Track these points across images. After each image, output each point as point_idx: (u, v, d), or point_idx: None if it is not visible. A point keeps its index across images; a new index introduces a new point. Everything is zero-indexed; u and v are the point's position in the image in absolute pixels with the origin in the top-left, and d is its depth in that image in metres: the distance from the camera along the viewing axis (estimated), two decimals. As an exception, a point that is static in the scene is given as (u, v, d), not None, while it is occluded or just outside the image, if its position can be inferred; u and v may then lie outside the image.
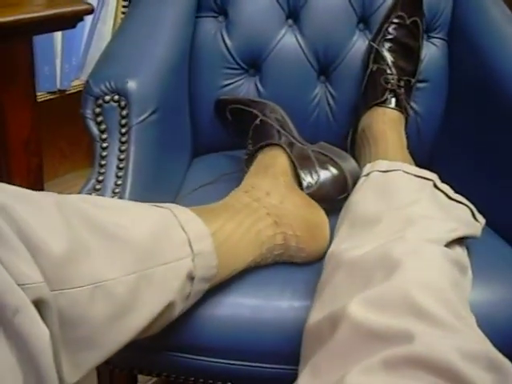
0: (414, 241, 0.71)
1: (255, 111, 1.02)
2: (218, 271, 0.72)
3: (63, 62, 1.31)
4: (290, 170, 0.92)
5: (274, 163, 0.91)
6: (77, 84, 1.36)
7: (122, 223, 0.64)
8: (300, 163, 0.94)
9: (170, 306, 0.67)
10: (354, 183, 0.94)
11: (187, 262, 0.68)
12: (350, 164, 0.97)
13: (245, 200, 0.82)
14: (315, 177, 0.94)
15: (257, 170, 0.90)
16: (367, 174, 0.90)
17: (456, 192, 0.88)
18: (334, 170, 0.96)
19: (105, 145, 0.82)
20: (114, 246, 0.61)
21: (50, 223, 0.57)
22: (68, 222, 0.58)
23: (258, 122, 0.98)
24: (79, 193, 0.80)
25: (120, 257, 0.62)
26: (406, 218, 0.76)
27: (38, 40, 1.20)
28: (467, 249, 0.80)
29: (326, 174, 0.95)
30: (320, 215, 0.90)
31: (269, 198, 0.84)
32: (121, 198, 0.80)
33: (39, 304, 0.53)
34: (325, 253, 0.82)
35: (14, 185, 0.61)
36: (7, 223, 0.53)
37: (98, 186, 0.81)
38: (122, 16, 1.33)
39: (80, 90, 1.25)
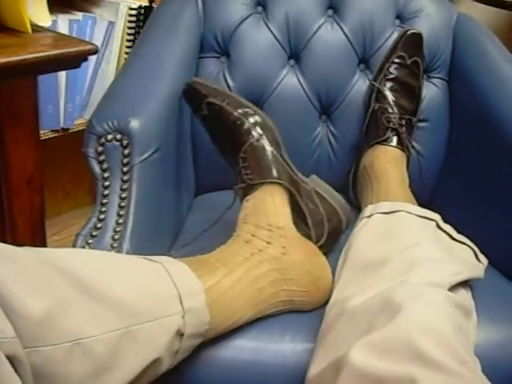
0: (417, 285, 0.70)
1: (246, 123, 0.93)
2: (212, 327, 0.70)
3: (67, 101, 1.32)
4: (291, 213, 0.90)
5: (276, 207, 0.88)
6: (80, 122, 1.37)
7: (107, 279, 0.62)
8: (309, 213, 0.92)
9: (155, 362, 0.65)
10: (347, 220, 0.94)
11: (176, 318, 0.66)
12: (341, 203, 0.96)
13: (245, 253, 0.79)
14: (322, 228, 0.92)
15: (256, 213, 0.87)
16: (369, 216, 0.90)
17: (457, 230, 0.87)
18: (335, 218, 0.94)
19: (107, 183, 0.82)
20: (96, 303, 0.60)
21: (30, 282, 0.56)
22: (50, 280, 0.58)
23: (253, 142, 0.91)
24: (80, 231, 0.79)
25: (102, 314, 0.60)
26: (410, 260, 0.76)
27: (43, 79, 1.21)
28: (471, 289, 0.80)
29: (330, 226, 0.93)
30: (323, 264, 0.87)
31: (271, 249, 0.81)
32: (122, 236, 0.79)
33: (12, 359, 0.52)
34: (326, 298, 0.81)
35: (16, 222, 0.61)
36: None
37: (99, 225, 0.80)
38: (126, 56, 1.35)
39: (83, 129, 1.26)
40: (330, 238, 0.93)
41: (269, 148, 0.91)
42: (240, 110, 0.93)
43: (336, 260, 0.88)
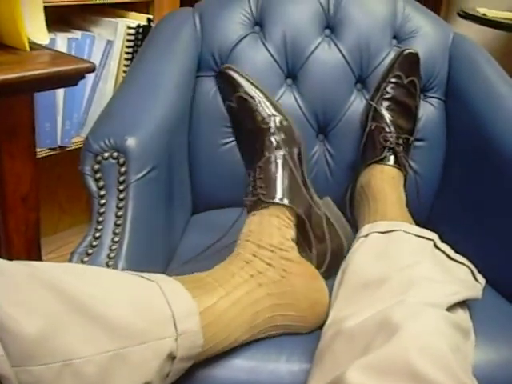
0: (415, 305, 0.70)
1: (273, 133, 0.90)
2: (205, 350, 0.69)
3: (64, 119, 1.32)
4: (296, 236, 0.88)
5: (281, 230, 0.85)
6: (77, 141, 1.37)
7: (100, 297, 0.61)
8: (315, 239, 0.90)
9: None
10: (348, 247, 0.93)
11: (169, 341, 0.64)
12: (347, 232, 0.96)
13: (245, 274, 0.77)
14: (324, 258, 0.91)
15: (260, 232, 0.85)
16: (366, 235, 0.90)
17: (455, 250, 0.87)
18: (339, 249, 0.93)
19: (103, 201, 0.82)
20: (89, 322, 0.58)
21: (22, 300, 0.56)
22: (42, 298, 0.57)
23: (276, 156, 0.88)
24: (76, 249, 0.79)
25: (94, 334, 0.59)
26: (407, 280, 0.75)
27: (40, 96, 1.21)
28: (469, 309, 0.79)
29: (332, 257, 0.92)
30: (321, 288, 0.86)
31: (271, 272, 0.79)
32: (117, 254, 0.79)
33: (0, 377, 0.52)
34: (323, 322, 0.80)
35: (11, 239, 0.61)
36: None
37: (94, 243, 0.80)
38: (124, 74, 1.35)
39: (80, 147, 1.26)
40: (330, 268, 0.92)
41: (290, 167, 0.89)
42: (270, 116, 0.91)
43: (333, 279, 0.87)
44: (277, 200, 0.86)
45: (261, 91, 0.94)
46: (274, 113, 0.92)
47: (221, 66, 0.95)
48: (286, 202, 0.86)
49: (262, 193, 0.86)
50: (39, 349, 0.55)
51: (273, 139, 0.90)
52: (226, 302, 0.72)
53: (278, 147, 0.90)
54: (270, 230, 0.84)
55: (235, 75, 0.94)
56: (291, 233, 0.86)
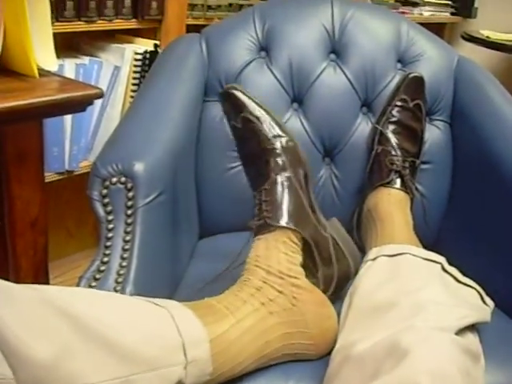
0: (424, 329, 0.69)
1: (278, 155, 0.89)
2: (213, 378, 0.68)
3: (72, 144, 1.33)
4: (303, 260, 0.87)
5: (288, 255, 0.84)
6: (85, 165, 1.38)
7: (111, 323, 0.61)
8: (321, 262, 0.89)
9: None
10: (355, 270, 0.92)
11: (178, 369, 0.64)
12: (354, 254, 0.95)
13: (256, 301, 0.76)
14: (330, 282, 0.90)
15: (268, 257, 0.83)
16: (374, 259, 0.89)
17: (463, 273, 0.87)
18: (345, 272, 0.92)
19: (110, 226, 0.82)
20: (99, 349, 0.58)
21: (33, 323, 0.55)
22: (52, 323, 0.57)
23: (282, 179, 0.87)
24: (84, 274, 0.79)
25: (105, 360, 0.58)
26: (416, 304, 0.75)
27: (48, 121, 1.22)
28: (478, 333, 0.79)
29: (339, 280, 0.91)
30: (331, 315, 0.85)
31: (281, 299, 0.79)
32: (125, 279, 0.79)
33: None
34: (331, 348, 0.79)
35: (19, 263, 0.61)
36: None
37: (102, 268, 0.80)
38: (131, 100, 1.36)
39: (88, 171, 1.26)
40: (337, 291, 0.91)
41: (296, 189, 0.88)
42: (276, 137, 0.91)
43: (340, 303, 0.87)
44: (283, 223, 0.85)
45: (266, 111, 0.93)
46: (280, 133, 0.92)
47: (225, 86, 0.95)
48: (291, 225, 0.86)
49: (268, 216, 0.86)
50: (50, 375, 0.54)
51: (278, 160, 0.90)
52: (237, 330, 0.71)
53: (283, 168, 0.89)
54: (278, 255, 0.83)
55: (240, 95, 0.93)
56: (299, 258, 0.86)
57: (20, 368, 0.53)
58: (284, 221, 0.86)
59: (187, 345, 0.65)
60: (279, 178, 0.88)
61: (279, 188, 0.88)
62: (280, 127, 0.93)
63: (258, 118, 0.92)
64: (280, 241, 0.85)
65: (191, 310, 0.69)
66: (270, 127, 0.92)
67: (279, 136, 0.92)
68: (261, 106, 0.94)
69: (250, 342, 0.72)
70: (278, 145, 0.91)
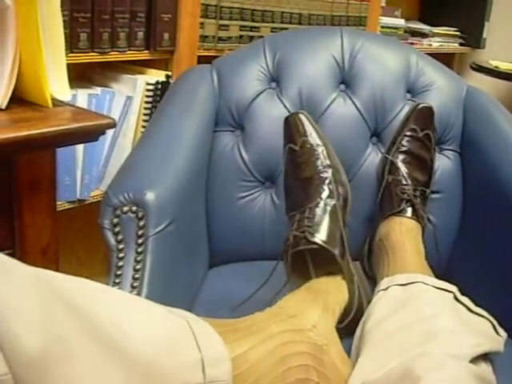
0: (438, 356, 0.69)
1: (328, 178, 0.94)
2: None
3: (84, 173, 1.34)
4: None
5: (333, 297, 0.83)
6: (96, 194, 1.39)
7: (120, 324, 0.53)
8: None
9: None
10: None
11: None
12: (368, 296, 0.95)
13: (283, 326, 0.71)
14: (350, 314, 0.90)
15: (306, 292, 0.82)
16: (386, 289, 0.89)
17: (475, 302, 0.86)
18: (361, 307, 0.92)
19: (121, 255, 0.82)
20: (105, 353, 0.50)
21: (29, 312, 0.47)
22: (51, 312, 0.49)
23: (329, 205, 0.90)
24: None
25: (109, 368, 0.50)
26: (429, 331, 0.74)
27: (61, 150, 1.23)
28: (491, 363, 0.78)
29: (356, 317, 0.91)
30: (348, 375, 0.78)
31: (314, 334, 0.74)
32: (135, 308, 0.79)
33: None
34: None
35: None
36: None
37: (112, 297, 0.80)
38: (143, 129, 1.38)
39: (99, 200, 1.27)
40: (350, 325, 0.90)
41: (339, 218, 0.91)
42: (329, 167, 0.95)
43: (349, 337, 0.86)
44: (319, 241, 0.86)
45: (325, 142, 0.99)
46: (334, 165, 0.96)
47: (293, 111, 1.01)
48: (329, 246, 0.87)
49: (311, 232, 0.87)
50: (43, 373, 0.47)
51: (329, 187, 0.93)
52: (258, 351, 0.65)
53: (331, 196, 0.92)
54: (317, 294, 0.83)
55: (305, 121, 0.99)
56: (342, 300, 0.87)
57: (13, 362, 0.45)
58: (322, 238, 0.87)
59: (207, 362, 0.58)
60: (326, 203, 0.91)
61: (324, 211, 0.90)
62: (334, 158, 0.98)
63: (318, 145, 0.97)
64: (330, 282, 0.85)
65: (211, 325, 0.63)
66: (326, 156, 0.97)
67: (332, 166, 0.96)
68: (321, 137, 0.99)
69: (271, 367, 0.66)
70: (329, 174, 0.95)
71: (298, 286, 0.89)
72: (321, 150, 0.97)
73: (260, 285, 0.89)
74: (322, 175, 0.94)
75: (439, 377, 0.65)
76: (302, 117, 1.00)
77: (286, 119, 1.00)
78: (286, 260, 0.88)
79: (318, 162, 0.95)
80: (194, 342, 0.58)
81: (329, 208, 0.91)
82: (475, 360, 0.73)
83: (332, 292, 0.87)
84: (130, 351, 0.52)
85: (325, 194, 0.92)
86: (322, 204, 0.91)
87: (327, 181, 0.94)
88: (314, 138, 0.98)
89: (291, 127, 0.99)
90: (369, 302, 0.92)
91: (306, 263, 0.92)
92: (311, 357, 0.72)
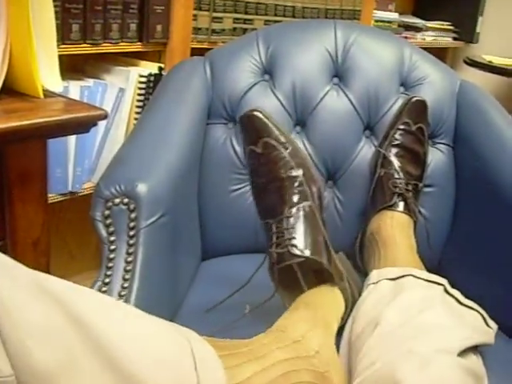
0: (425, 353, 0.69)
1: (304, 184, 0.86)
2: None
3: (76, 165, 1.33)
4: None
5: (329, 309, 0.82)
6: (88, 186, 1.38)
7: (122, 340, 0.53)
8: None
9: None
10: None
11: None
12: (358, 284, 0.95)
13: (287, 353, 0.69)
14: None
15: (306, 310, 0.80)
16: (376, 282, 0.89)
17: (466, 296, 0.86)
18: (354, 301, 0.92)
19: (113, 247, 0.82)
20: (104, 369, 0.50)
21: (41, 326, 0.48)
22: (56, 324, 0.50)
23: (304, 209, 0.84)
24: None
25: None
26: (418, 326, 0.75)
27: (52, 142, 1.22)
28: (481, 356, 0.78)
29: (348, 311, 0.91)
30: None
31: (317, 360, 0.72)
32: (126, 301, 0.79)
33: None
34: None
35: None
36: None
37: (104, 289, 0.80)
38: (135, 122, 1.37)
39: (91, 193, 1.26)
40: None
41: (318, 221, 0.86)
42: (298, 166, 0.87)
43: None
44: (307, 254, 0.84)
45: (288, 138, 0.90)
46: (302, 162, 0.89)
47: (246, 110, 0.91)
48: (316, 257, 0.84)
49: (291, 244, 0.83)
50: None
51: (301, 189, 0.87)
52: (260, 379, 0.63)
53: (305, 198, 0.87)
54: (315, 311, 0.81)
55: (263, 119, 0.89)
56: (339, 314, 0.85)
57: (21, 371, 0.47)
58: (307, 249, 0.84)
59: None
60: (301, 207, 0.86)
61: (301, 217, 0.86)
62: (301, 155, 0.90)
63: (281, 144, 0.88)
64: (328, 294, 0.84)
65: (213, 347, 0.61)
66: (292, 154, 0.88)
67: (300, 164, 0.89)
68: (283, 133, 0.91)
69: None
70: (300, 173, 0.88)
71: (287, 296, 0.87)
72: (285, 149, 0.88)
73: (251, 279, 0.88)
74: (291, 177, 0.87)
75: (426, 375, 0.65)
76: (259, 115, 0.90)
77: (242, 119, 0.91)
78: (272, 275, 0.86)
79: (285, 164, 0.87)
80: (192, 365, 0.57)
81: (305, 212, 0.86)
82: (465, 353, 0.73)
83: (329, 305, 0.86)
84: (131, 373, 0.52)
85: (298, 198, 0.87)
86: (297, 210, 0.85)
87: (298, 182, 0.87)
88: (275, 137, 0.89)
89: (249, 127, 0.90)
90: (359, 292, 0.92)
91: (295, 275, 0.89)
92: None
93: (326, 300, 0.86)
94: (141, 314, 0.60)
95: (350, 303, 0.91)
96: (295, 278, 0.89)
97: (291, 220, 0.85)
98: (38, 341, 0.48)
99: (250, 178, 0.92)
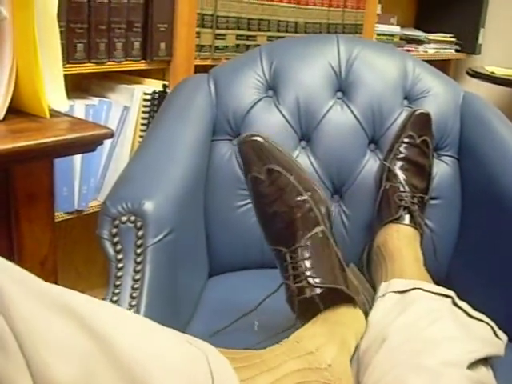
0: (433, 367, 0.68)
1: (315, 209, 0.83)
2: None
3: (81, 184, 1.34)
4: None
5: (348, 327, 0.81)
6: (94, 205, 1.38)
7: (143, 359, 0.52)
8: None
9: None
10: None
11: None
12: (371, 296, 0.95)
13: (300, 364, 0.69)
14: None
15: (323, 324, 0.79)
16: (383, 295, 0.89)
17: (474, 308, 0.86)
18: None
19: (120, 265, 0.82)
20: (123, 382, 0.50)
21: (60, 340, 0.48)
22: (76, 339, 0.50)
23: (318, 236, 0.82)
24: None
25: None
26: (427, 339, 0.74)
27: (58, 161, 1.23)
28: (491, 368, 0.77)
29: None
30: None
31: (329, 373, 0.71)
32: (135, 319, 0.78)
33: None
34: None
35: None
36: (8, 325, 0.46)
37: (112, 307, 0.80)
38: (140, 139, 1.38)
39: (97, 211, 1.27)
40: None
41: (332, 244, 0.84)
42: (306, 191, 0.84)
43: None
44: (326, 285, 0.82)
45: (292, 161, 0.86)
46: (308, 185, 0.86)
47: (245, 135, 0.85)
48: (335, 285, 0.83)
49: (312, 275, 0.81)
50: None
51: (311, 215, 0.84)
52: None
53: (316, 223, 0.84)
54: (333, 328, 0.80)
55: (265, 144, 0.84)
56: (359, 331, 0.84)
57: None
58: (327, 279, 0.82)
59: None
60: (315, 234, 0.84)
61: (316, 246, 0.83)
62: (306, 177, 0.87)
63: (286, 170, 0.83)
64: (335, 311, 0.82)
65: (228, 359, 0.62)
66: (297, 179, 0.85)
67: (307, 188, 0.85)
68: (285, 155, 0.86)
69: None
70: (308, 198, 0.84)
71: (306, 322, 0.85)
72: (291, 174, 0.84)
73: (259, 294, 0.88)
74: (300, 203, 0.83)
75: None
76: (260, 139, 0.84)
77: (241, 144, 0.85)
78: (292, 307, 0.83)
79: (292, 190, 0.83)
80: (209, 378, 0.57)
81: (319, 239, 0.84)
82: (474, 365, 0.72)
83: (349, 324, 0.84)
84: (147, 382, 0.51)
85: (310, 224, 0.83)
86: (311, 238, 0.83)
87: (307, 209, 0.84)
88: (279, 162, 0.84)
89: (250, 154, 0.84)
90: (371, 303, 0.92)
91: (315, 304, 0.84)
92: None
93: (346, 318, 0.85)
94: (157, 326, 0.60)
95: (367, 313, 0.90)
96: (315, 305, 0.85)
97: (306, 250, 0.82)
98: (57, 356, 0.47)
99: (254, 205, 0.88)
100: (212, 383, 0.57)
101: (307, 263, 0.82)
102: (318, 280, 0.82)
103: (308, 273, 0.82)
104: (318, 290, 0.82)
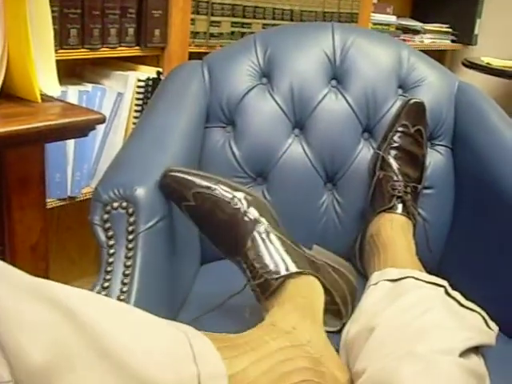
0: (426, 355, 0.68)
1: (248, 212, 0.86)
2: None
3: (74, 170, 1.33)
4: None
5: (311, 299, 0.82)
6: (87, 191, 1.38)
7: (121, 337, 0.54)
8: (333, 288, 0.88)
9: None
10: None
11: None
12: (347, 267, 0.95)
13: (281, 342, 0.71)
14: (346, 301, 0.90)
15: (290, 303, 0.80)
16: (376, 283, 0.89)
17: (467, 297, 0.86)
18: (350, 285, 0.93)
19: (111, 251, 0.82)
20: (103, 365, 0.51)
21: (34, 323, 0.49)
22: (59, 326, 0.51)
23: (259, 234, 0.84)
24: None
25: (107, 380, 0.52)
26: (419, 328, 0.74)
27: (51, 147, 1.23)
28: (483, 357, 0.78)
29: (351, 295, 0.92)
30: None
31: (310, 348, 0.73)
32: (126, 305, 0.78)
33: None
34: None
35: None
36: None
37: (103, 293, 0.79)
38: (133, 126, 1.37)
39: (90, 198, 1.26)
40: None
41: (277, 235, 0.85)
42: (233, 198, 0.87)
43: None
44: (283, 272, 0.83)
45: (210, 178, 0.88)
46: (235, 193, 0.88)
47: (161, 174, 0.88)
48: (294, 269, 0.83)
49: (267, 271, 0.83)
50: (45, 381, 0.49)
51: (248, 217, 0.86)
52: (257, 368, 0.65)
53: (256, 222, 0.86)
54: (304, 305, 0.81)
55: (180, 175, 0.87)
56: (321, 304, 0.85)
57: (18, 371, 0.48)
58: (283, 269, 0.83)
59: (203, 378, 0.58)
60: (256, 233, 0.85)
61: (261, 242, 0.85)
62: (230, 186, 0.89)
63: (209, 188, 0.86)
64: (298, 286, 0.83)
65: (211, 340, 0.63)
66: (222, 191, 0.87)
67: (235, 196, 0.87)
68: (203, 176, 0.88)
69: (272, 383, 0.65)
70: (239, 203, 0.87)
71: None
72: (216, 188, 0.87)
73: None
74: (235, 212, 0.86)
75: (424, 380, 0.65)
76: (173, 173, 0.87)
77: (163, 184, 0.87)
78: (263, 306, 0.85)
79: (223, 201, 0.86)
80: (191, 357, 0.59)
81: (263, 237, 0.85)
82: (466, 353, 0.73)
83: (311, 295, 0.85)
84: (129, 364, 0.53)
85: (250, 227, 0.86)
86: (256, 237, 0.85)
87: (242, 213, 0.86)
88: (201, 182, 0.87)
89: (172, 188, 0.87)
90: (354, 275, 0.93)
91: (279, 294, 0.85)
92: (311, 371, 0.71)
93: (307, 291, 0.85)
94: (138, 311, 0.62)
95: (349, 289, 0.92)
96: (279, 295, 0.85)
97: (254, 251, 0.84)
98: (31, 340, 0.48)
99: (200, 230, 0.91)
100: (194, 362, 0.58)
101: (259, 261, 0.83)
102: (274, 273, 0.83)
103: (263, 269, 0.83)
104: (279, 281, 0.82)
